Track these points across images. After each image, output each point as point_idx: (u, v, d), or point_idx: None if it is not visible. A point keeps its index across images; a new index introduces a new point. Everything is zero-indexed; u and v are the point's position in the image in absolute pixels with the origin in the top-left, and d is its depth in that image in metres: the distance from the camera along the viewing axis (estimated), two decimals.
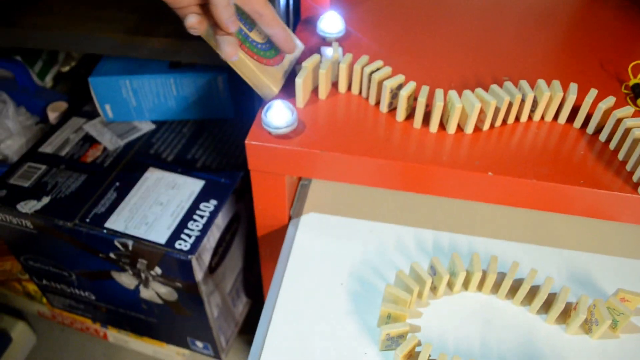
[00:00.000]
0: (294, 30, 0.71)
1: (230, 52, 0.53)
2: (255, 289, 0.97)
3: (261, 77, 0.57)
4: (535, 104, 0.60)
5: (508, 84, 0.58)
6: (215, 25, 0.51)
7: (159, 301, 0.79)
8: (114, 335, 1.11)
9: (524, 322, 0.55)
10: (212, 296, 0.78)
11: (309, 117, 0.58)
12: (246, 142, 0.56)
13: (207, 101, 0.84)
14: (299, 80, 0.57)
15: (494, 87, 0.57)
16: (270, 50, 0.59)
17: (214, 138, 0.85)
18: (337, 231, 0.63)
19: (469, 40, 0.73)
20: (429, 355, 0.49)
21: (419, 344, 0.50)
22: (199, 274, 0.71)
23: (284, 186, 0.60)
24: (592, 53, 0.72)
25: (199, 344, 0.88)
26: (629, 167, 0.55)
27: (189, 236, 0.70)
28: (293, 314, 0.55)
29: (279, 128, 0.55)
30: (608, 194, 0.53)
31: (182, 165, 0.79)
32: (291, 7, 0.70)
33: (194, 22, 0.49)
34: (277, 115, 0.54)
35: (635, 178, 0.54)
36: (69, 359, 1.12)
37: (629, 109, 0.56)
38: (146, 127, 0.86)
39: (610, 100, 0.58)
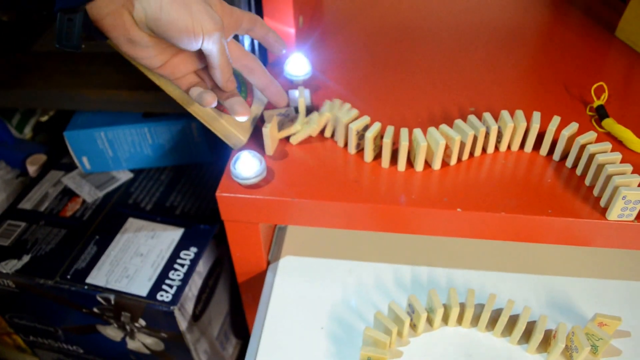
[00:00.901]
0: None
1: (242, 111, 0.54)
2: (244, 329, 0.96)
3: (228, 127, 0.58)
4: (500, 135, 0.61)
5: (472, 118, 0.59)
6: (214, 87, 0.53)
7: (147, 351, 0.79)
8: None
9: (506, 354, 0.56)
10: (199, 344, 0.78)
11: (279, 165, 0.59)
12: (217, 194, 0.56)
13: (183, 147, 0.85)
14: (265, 130, 0.57)
15: (458, 122, 0.58)
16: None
17: (192, 183, 0.85)
18: (315, 273, 0.64)
19: (435, 72, 0.74)
20: None
21: None
22: (182, 324, 0.71)
23: (258, 234, 0.61)
24: (558, 76, 0.73)
25: None
26: (595, 192, 0.56)
27: (171, 286, 0.70)
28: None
29: (248, 179, 0.55)
30: (577, 221, 0.54)
31: (161, 214, 0.79)
32: (257, 50, 0.71)
33: (209, 101, 0.50)
34: (245, 166, 0.55)
35: (602, 203, 0.55)
36: None
37: (592, 135, 0.57)
38: (124, 176, 0.87)
39: (573, 127, 0.59)
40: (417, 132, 0.57)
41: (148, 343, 0.77)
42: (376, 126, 0.58)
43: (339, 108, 0.61)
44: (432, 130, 0.57)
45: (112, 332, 0.77)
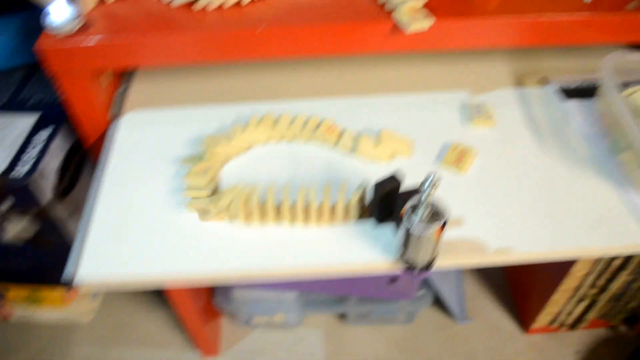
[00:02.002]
0: None
1: None
2: None
3: None
4: None
5: None
6: None
7: (22, 243, 0.82)
8: (17, 315, 1.12)
9: (324, 155, 0.64)
10: (72, 221, 0.82)
11: (100, 16, 0.62)
12: (37, 49, 0.59)
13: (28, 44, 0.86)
14: None
15: None
16: None
17: (45, 76, 0.87)
18: (157, 123, 0.69)
19: None
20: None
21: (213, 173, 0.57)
22: (43, 198, 0.74)
23: (95, 86, 0.65)
24: None
25: None
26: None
27: (27, 162, 0.73)
28: (117, 197, 0.60)
29: (65, 25, 0.59)
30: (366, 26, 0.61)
31: (15, 107, 0.81)
32: None
33: None
34: (60, 13, 0.58)
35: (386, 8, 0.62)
36: None
37: None
38: None
39: None
40: None
41: (20, 230, 0.80)
42: None
43: None
44: None
45: None
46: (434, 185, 0.45)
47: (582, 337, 1.10)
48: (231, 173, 0.62)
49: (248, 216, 0.56)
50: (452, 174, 0.61)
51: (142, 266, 0.54)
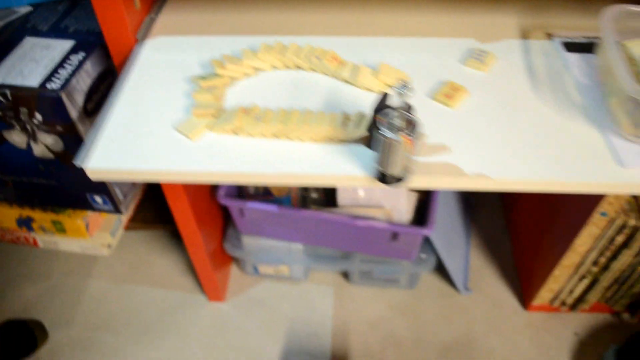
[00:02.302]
0: None
1: None
2: None
3: None
4: None
5: None
6: None
7: (51, 155, 0.89)
8: (42, 239, 1.20)
9: (326, 83, 0.67)
10: None
11: None
12: None
13: None
14: None
15: None
16: None
17: (87, 9, 0.94)
18: (179, 48, 0.74)
19: None
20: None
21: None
22: (73, 112, 0.81)
23: (127, 7, 0.70)
24: None
25: (99, 200, 0.98)
26: None
27: (59, 79, 0.80)
28: (132, 104, 0.66)
29: None
30: None
31: (55, 32, 0.89)
32: None
33: None
34: None
35: None
36: (6, 274, 1.21)
37: None
38: (24, 10, 0.95)
39: None
40: None
41: (49, 143, 0.87)
42: None
43: None
44: None
45: (17, 138, 0.87)
46: (405, 90, 0.49)
47: (583, 320, 1.10)
48: (237, 94, 0.67)
49: (245, 129, 0.61)
50: (442, 108, 0.64)
51: (143, 162, 0.59)
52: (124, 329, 1.10)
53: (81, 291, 1.17)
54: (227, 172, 0.58)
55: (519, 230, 1.20)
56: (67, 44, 0.86)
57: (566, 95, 0.65)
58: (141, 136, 0.62)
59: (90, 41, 0.86)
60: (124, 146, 0.61)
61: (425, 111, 0.63)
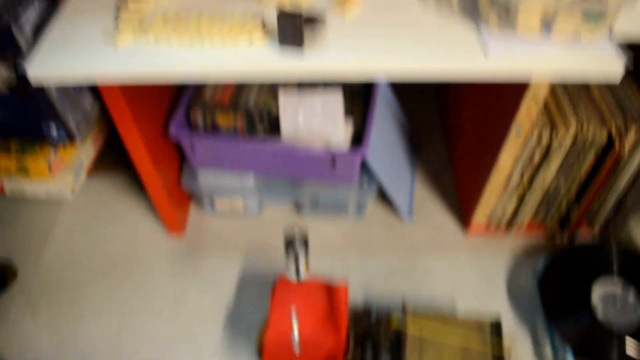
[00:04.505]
0: None
1: None
2: None
3: None
4: None
5: None
6: None
7: (5, 90, 0.95)
8: (9, 187, 1.26)
9: None
10: None
11: None
12: None
13: None
14: None
15: None
16: None
17: None
18: None
19: None
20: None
21: None
22: (23, 45, 0.87)
23: None
24: None
25: (53, 129, 1.04)
26: None
27: (8, 11, 0.86)
28: (69, 23, 0.72)
29: None
30: None
31: None
32: None
33: None
34: None
35: None
36: None
37: None
38: None
39: None
40: None
41: (4, 77, 0.93)
42: None
43: None
44: None
45: None
46: None
47: (518, 242, 1.18)
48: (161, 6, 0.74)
49: (168, 34, 0.67)
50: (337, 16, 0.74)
51: (77, 67, 0.66)
52: (91, 265, 1.17)
53: (48, 233, 1.24)
54: (147, 70, 0.65)
55: (458, 160, 1.28)
56: None
57: (449, 4, 0.73)
58: (75, 46, 0.69)
59: None
60: (60, 55, 0.67)
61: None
